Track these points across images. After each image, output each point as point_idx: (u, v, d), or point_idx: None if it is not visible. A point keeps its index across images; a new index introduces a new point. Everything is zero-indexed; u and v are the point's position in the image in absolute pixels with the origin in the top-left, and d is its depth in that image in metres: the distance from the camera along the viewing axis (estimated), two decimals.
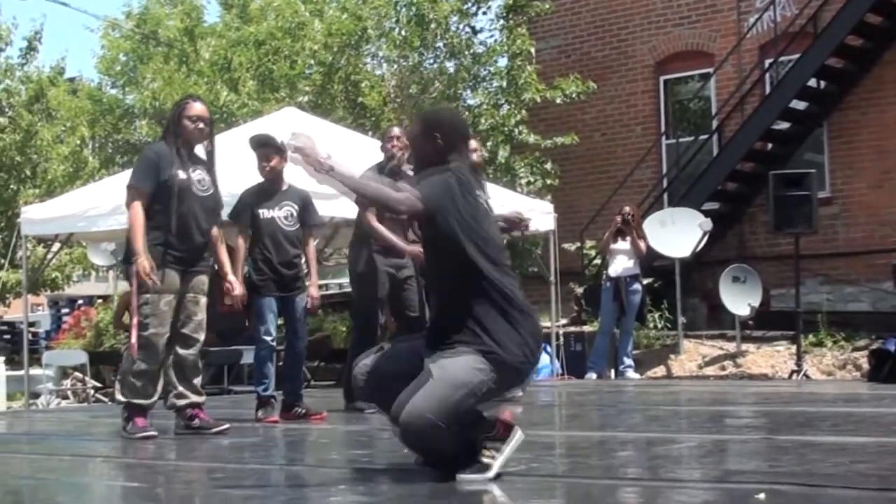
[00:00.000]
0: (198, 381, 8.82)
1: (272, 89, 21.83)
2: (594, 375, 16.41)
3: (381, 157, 10.86)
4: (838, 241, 19.06)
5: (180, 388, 8.68)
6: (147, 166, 8.59)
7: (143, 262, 8.29)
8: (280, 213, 9.90)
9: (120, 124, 27.69)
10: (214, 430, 8.74)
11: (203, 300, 8.75)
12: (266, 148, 9.92)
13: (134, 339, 8.45)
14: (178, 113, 8.74)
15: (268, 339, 9.90)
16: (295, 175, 10.14)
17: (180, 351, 8.65)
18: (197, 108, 8.78)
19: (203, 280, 8.75)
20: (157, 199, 8.50)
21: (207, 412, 8.96)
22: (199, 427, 8.71)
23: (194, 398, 8.75)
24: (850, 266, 18.77)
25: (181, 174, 8.52)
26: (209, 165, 8.86)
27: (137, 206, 8.45)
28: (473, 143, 11.26)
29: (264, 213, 9.87)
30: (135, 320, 8.49)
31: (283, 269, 9.89)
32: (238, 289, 9.25)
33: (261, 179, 10.03)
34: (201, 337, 8.74)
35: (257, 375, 10.11)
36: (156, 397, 8.64)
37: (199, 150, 8.92)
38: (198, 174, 8.67)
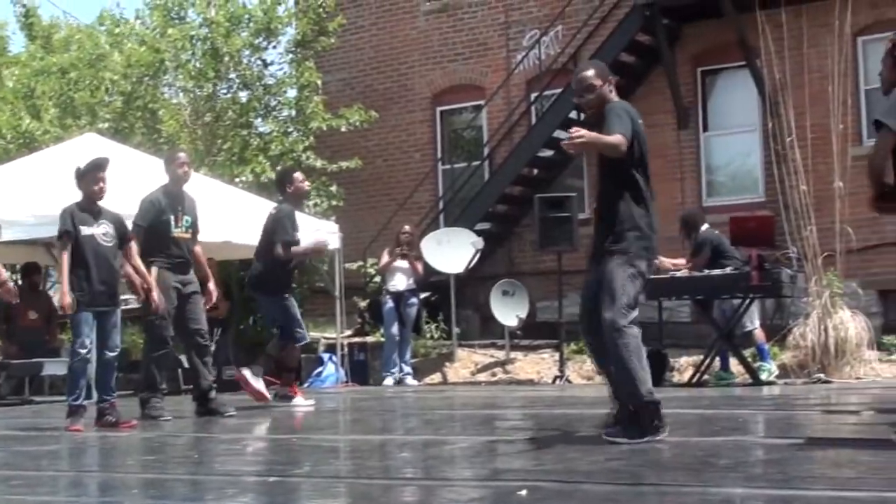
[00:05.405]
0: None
1: (74, 116, 21.32)
2: (391, 380, 16.37)
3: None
4: None
5: None
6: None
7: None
8: (99, 231, 9.68)
9: None
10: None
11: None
12: (101, 170, 9.72)
13: None
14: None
15: (82, 351, 9.64)
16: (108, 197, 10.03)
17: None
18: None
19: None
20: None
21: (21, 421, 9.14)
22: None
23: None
24: None
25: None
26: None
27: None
28: None
29: (85, 230, 9.62)
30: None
31: (100, 286, 9.63)
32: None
33: (77, 199, 9.78)
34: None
35: (70, 385, 9.86)
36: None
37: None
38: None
